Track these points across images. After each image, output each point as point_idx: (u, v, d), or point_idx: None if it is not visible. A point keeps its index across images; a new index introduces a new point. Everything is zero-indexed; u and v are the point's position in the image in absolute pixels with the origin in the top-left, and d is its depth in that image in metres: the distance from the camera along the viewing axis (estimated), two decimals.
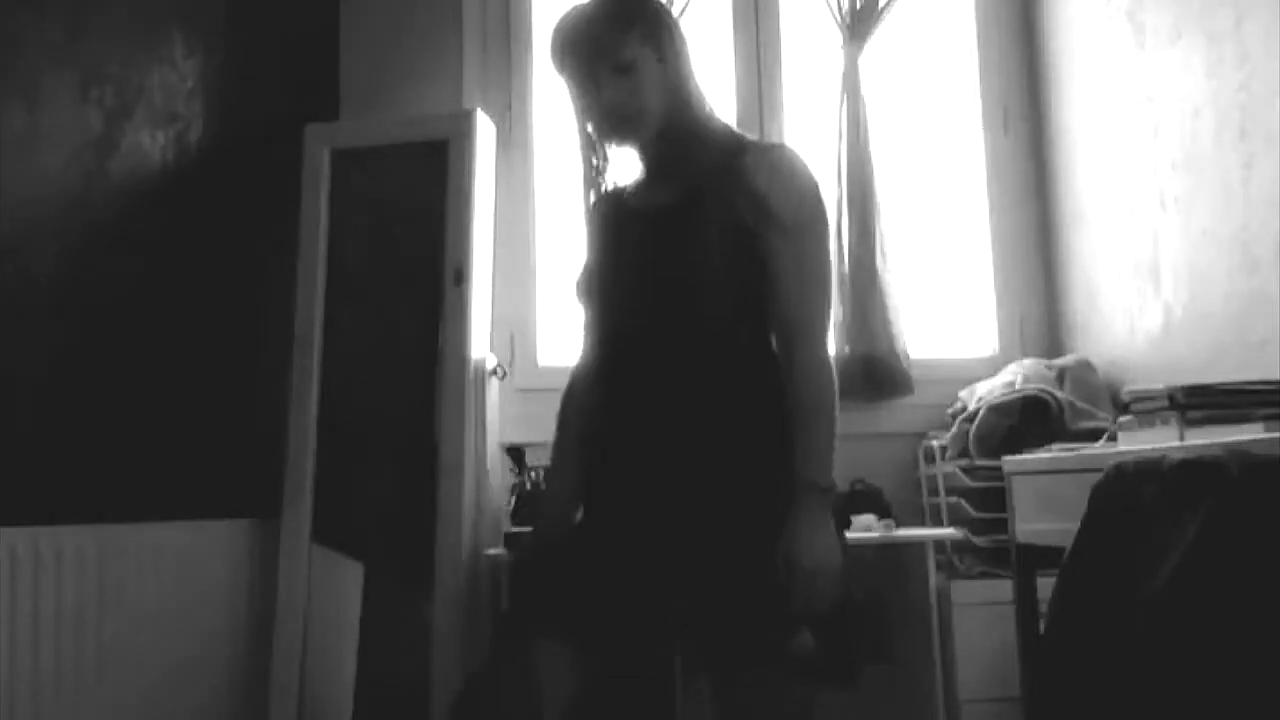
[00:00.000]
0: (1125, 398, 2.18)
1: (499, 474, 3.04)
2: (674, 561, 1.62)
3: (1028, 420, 2.90)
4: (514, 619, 1.76)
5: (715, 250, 1.67)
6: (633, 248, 1.75)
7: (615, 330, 1.77)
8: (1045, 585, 2.05)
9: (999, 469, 2.55)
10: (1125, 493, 1.75)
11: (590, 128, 1.79)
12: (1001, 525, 2.58)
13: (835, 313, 3.30)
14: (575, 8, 1.79)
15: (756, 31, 3.48)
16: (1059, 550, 1.88)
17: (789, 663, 1.59)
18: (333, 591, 2.93)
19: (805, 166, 1.79)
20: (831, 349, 3.25)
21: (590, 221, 1.88)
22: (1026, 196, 3.47)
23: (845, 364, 3.27)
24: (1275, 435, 1.70)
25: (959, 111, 3.53)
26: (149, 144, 2.93)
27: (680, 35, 1.80)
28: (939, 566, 2.85)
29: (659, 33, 1.75)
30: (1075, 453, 2.34)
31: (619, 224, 1.81)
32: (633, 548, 1.65)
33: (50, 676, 2.55)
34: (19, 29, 2.71)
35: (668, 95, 1.74)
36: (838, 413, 1.69)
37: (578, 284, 1.83)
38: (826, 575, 1.59)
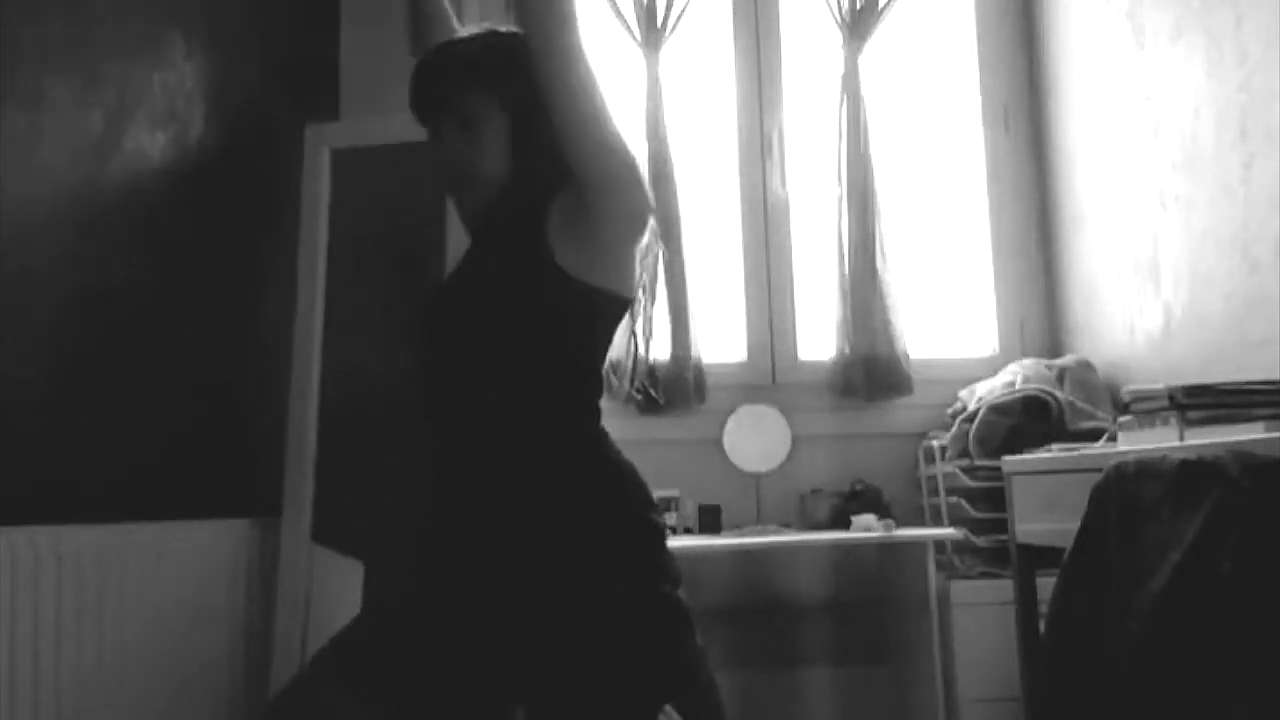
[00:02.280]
0: (1125, 398, 2.18)
1: None
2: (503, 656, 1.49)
3: (1028, 420, 2.90)
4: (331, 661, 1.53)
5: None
6: None
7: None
8: (1045, 585, 2.05)
9: (999, 469, 2.55)
10: (1125, 493, 1.75)
11: None
12: (1001, 525, 2.58)
13: (835, 313, 3.32)
14: (436, 46, 1.65)
15: (756, 31, 3.48)
16: (1059, 550, 1.88)
17: None
18: (333, 591, 2.93)
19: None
20: (831, 349, 3.30)
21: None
22: (1026, 196, 3.47)
23: (845, 364, 3.28)
24: (1275, 435, 1.70)
25: (959, 111, 3.54)
26: (149, 144, 2.93)
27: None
28: (939, 566, 2.86)
29: (511, 85, 1.55)
30: (1075, 453, 2.35)
31: None
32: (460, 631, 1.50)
33: (50, 676, 2.54)
34: (19, 30, 2.70)
35: (517, 155, 1.56)
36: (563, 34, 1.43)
37: None
38: None
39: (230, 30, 3.12)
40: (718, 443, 3.22)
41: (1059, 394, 2.95)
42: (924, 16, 3.54)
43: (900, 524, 2.97)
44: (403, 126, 3.12)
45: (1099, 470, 1.83)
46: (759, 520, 3.16)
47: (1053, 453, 2.44)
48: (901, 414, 3.30)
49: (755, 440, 3.22)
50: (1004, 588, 2.54)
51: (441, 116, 1.59)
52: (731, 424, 3.23)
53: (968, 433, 2.97)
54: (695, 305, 3.26)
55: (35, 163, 2.73)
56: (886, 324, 3.28)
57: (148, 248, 2.90)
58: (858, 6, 3.38)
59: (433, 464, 1.61)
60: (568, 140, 1.45)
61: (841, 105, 3.37)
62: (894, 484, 3.19)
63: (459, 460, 1.57)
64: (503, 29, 1.65)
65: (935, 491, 3.07)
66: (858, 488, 3.11)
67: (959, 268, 3.51)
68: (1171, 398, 1.97)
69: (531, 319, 1.51)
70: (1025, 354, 3.31)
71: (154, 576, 2.71)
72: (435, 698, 1.49)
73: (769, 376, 3.37)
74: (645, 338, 3.22)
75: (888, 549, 2.98)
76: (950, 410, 3.15)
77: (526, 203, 1.53)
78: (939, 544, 2.90)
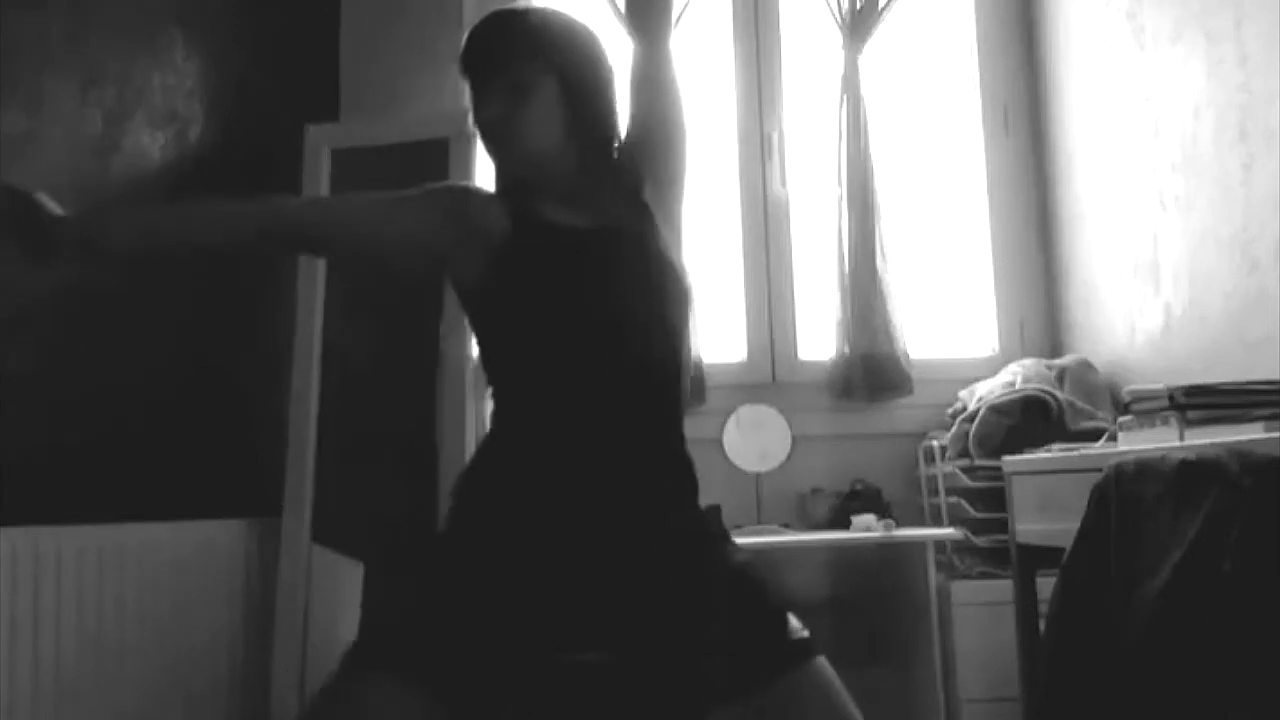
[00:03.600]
0: (1125, 398, 2.18)
1: None
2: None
3: (1028, 420, 2.90)
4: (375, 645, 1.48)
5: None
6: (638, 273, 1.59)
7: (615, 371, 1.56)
8: (1045, 585, 2.05)
9: (999, 469, 2.55)
10: (1125, 493, 1.75)
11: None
12: (1001, 525, 2.58)
13: (835, 313, 3.32)
14: (497, 11, 1.66)
15: (756, 31, 3.48)
16: (1059, 550, 1.88)
17: (803, 652, 1.50)
18: (332, 591, 2.93)
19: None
20: (831, 349, 3.30)
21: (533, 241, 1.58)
22: (1026, 196, 3.47)
23: (845, 364, 3.28)
24: (1275, 435, 1.70)
25: (959, 111, 3.53)
26: (149, 144, 2.93)
27: (601, 69, 1.64)
28: (939, 566, 2.85)
29: (569, 65, 1.60)
30: (1075, 453, 2.35)
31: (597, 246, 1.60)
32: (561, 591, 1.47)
33: (50, 676, 2.54)
34: (19, 30, 2.70)
35: (566, 130, 1.59)
36: None
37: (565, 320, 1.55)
38: None
39: (230, 30, 3.12)
40: (718, 443, 3.21)
41: (1059, 394, 2.95)
42: (924, 16, 3.54)
43: (900, 524, 2.97)
44: (403, 126, 3.15)
45: (1099, 470, 1.83)
46: (759, 520, 3.16)
47: (1053, 453, 2.44)
48: (901, 414, 3.30)
49: (755, 440, 3.22)
50: (1004, 588, 2.54)
51: (491, 79, 1.60)
52: (731, 424, 3.23)
53: (968, 433, 2.97)
54: (696, 305, 3.26)
55: (35, 163, 2.73)
56: (886, 324, 3.27)
57: None
58: (858, 6, 3.38)
59: (632, 435, 1.55)
60: (675, 107, 1.73)
61: (841, 105, 3.37)
62: (894, 484, 3.19)
63: (671, 429, 1.60)
64: (557, 9, 1.70)
65: (935, 491, 3.07)
66: (858, 488, 3.11)
67: (959, 268, 3.51)
68: (1171, 398, 1.97)
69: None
70: (1025, 354, 3.30)
71: (154, 576, 2.71)
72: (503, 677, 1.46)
73: (769, 376, 3.37)
74: None
75: (888, 549, 2.98)
76: (950, 410, 3.15)
77: (629, 177, 1.66)
78: (939, 544, 2.89)
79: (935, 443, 3.10)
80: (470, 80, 1.63)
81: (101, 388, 2.78)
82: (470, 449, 2.84)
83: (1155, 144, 2.83)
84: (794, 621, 1.51)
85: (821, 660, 1.50)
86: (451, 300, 2.85)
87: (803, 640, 1.50)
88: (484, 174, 2.99)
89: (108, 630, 2.63)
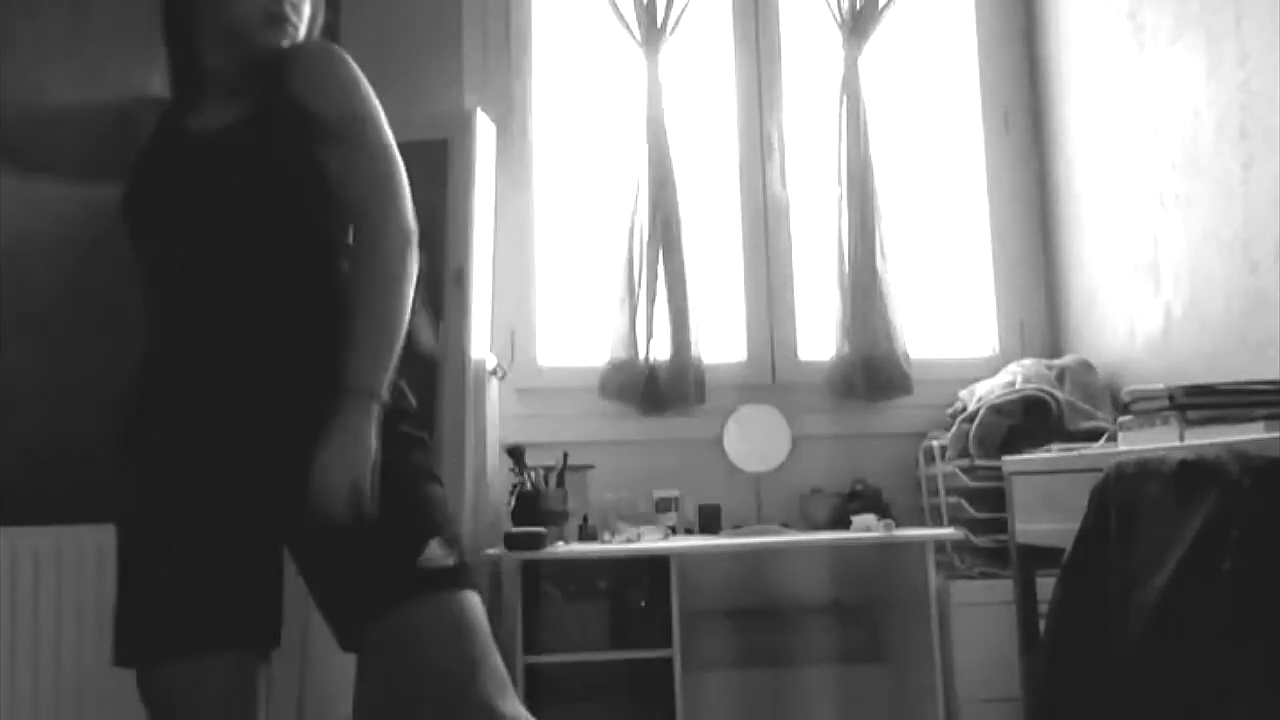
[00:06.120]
0: (1125, 398, 2.18)
1: (499, 474, 3.04)
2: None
3: (1028, 420, 2.90)
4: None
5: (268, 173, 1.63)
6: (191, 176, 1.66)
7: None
8: (1045, 585, 2.05)
9: (999, 469, 2.55)
10: (1125, 493, 1.75)
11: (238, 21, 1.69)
12: (1001, 525, 2.58)
13: (835, 313, 3.31)
14: None
15: (756, 31, 3.48)
16: (1059, 550, 1.88)
17: (428, 581, 1.49)
18: None
19: (345, 63, 1.68)
20: (831, 349, 3.30)
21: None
22: (1026, 196, 3.47)
23: (845, 364, 3.28)
24: (1275, 435, 1.70)
25: (959, 111, 3.53)
26: None
27: None
28: (939, 566, 2.85)
29: None
30: (1075, 453, 2.35)
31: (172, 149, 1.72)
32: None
33: (50, 676, 2.54)
34: (18, 29, 2.70)
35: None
36: (401, 321, 1.63)
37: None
38: (351, 488, 1.47)
39: None
40: (718, 443, 3.22)
41: (1059, 394, 2.95)
42: (924, 17, 3.54)
43: (900, 524, 2.97)
44: (403, 126, 3.13)
45: (1099, 470, 1.83)
46: (759, 520, 3.16)
47: (1053, 453, 2.44)
48: (901, 414, 3.30)
49: (755, 440, 3.22)
50: (1004, 588, 2.54)
51: None
52: (731, 424, 3.23)
53: (968, 433, 2.97)
54: (695, 305, 3.26)
55: None
56: (886, 324, 3.28)
57: None
58: (858, 7, 3.38)
59: None
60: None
61: (841, 105, 3.37)
62: (894, 484, 3.19)
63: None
64: None
65: (935, 491, 3.07)
66: (858, 488, 3.11)
67: (959, 268, 3.51)
68: (1171, 398, 1.97)
69: None
70: (1025, 354, 3.31)
71: None
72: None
73: (769, 376, 3.37)
74: (646, 338, 3.22)
75: (888, 549, 2.98)
76: (950, 410, 3.15)
77: None
78: (939, 544, 2.90)
79: (935, 443, 3.10)
80: None
81: (102, 387, 2.78)
82: (470, 449, 2.84)
83: (1155, 144, 2.83)
84: (433, 550, 1.51)
85: (461, 595, 1.50)
86: (451, 297, 2.85)
87: (439, 571, 1.50)
88: (483, 171, 2.99)
89: (108, 630, 2.63)
